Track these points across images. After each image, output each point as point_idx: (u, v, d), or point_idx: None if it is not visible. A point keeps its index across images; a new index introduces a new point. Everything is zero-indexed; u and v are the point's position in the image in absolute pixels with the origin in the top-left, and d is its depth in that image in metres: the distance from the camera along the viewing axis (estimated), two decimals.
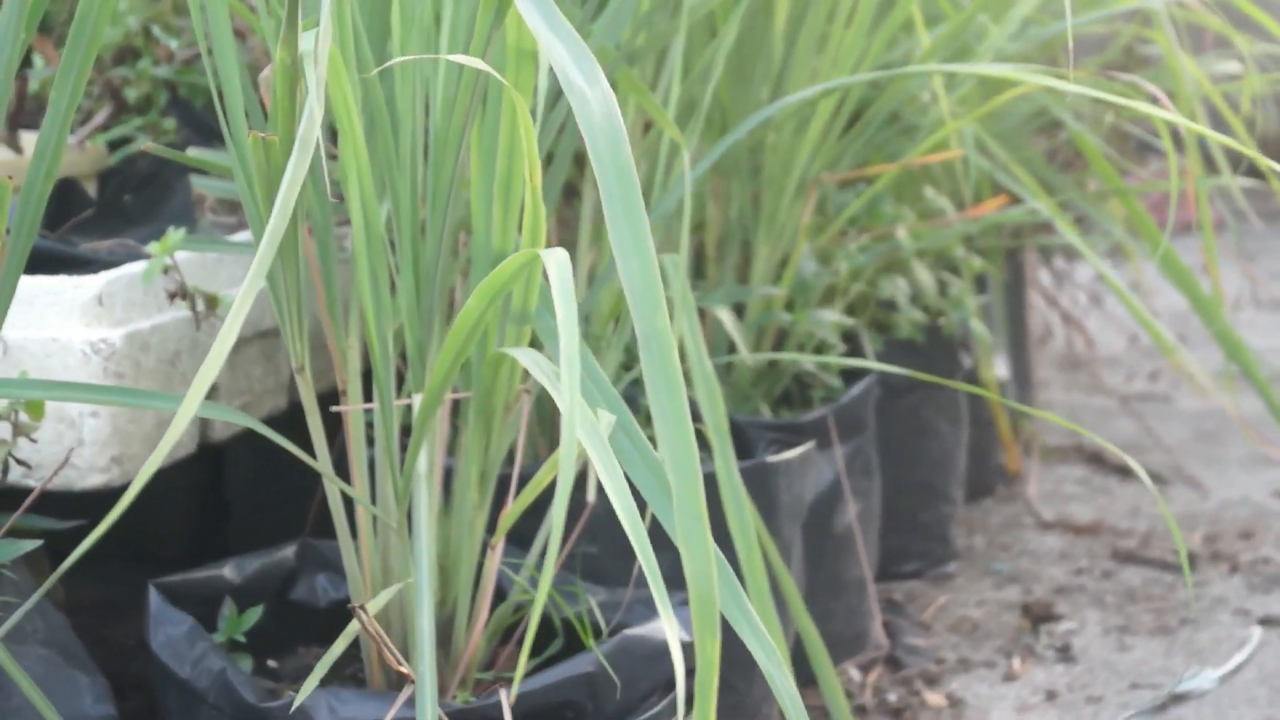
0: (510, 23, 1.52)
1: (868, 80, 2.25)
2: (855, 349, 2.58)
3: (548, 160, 1.89)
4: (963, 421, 2.88)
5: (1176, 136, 3.54)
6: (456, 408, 1.76)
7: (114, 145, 2.34)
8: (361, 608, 1.45)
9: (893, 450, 2.74)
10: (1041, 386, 4.04)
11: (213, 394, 2.00)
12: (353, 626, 1.46)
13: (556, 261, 1.10)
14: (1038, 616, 2.62)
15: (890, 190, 2.89)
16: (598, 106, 1.05)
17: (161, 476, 2.14)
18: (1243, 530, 3.02)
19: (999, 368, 3.20)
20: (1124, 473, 3.39)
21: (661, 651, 1.68)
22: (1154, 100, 2.94)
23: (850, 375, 2.47)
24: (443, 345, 1.49)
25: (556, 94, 1.72)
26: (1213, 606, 2.67)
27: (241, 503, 2.56)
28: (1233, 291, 4.49)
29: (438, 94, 1.56)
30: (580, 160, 2.14)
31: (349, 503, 1.65)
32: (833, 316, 2.36)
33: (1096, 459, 3.46)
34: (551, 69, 1.79)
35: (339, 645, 1.45)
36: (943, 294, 2.81)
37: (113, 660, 2.00)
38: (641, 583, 1.78)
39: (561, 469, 1.03)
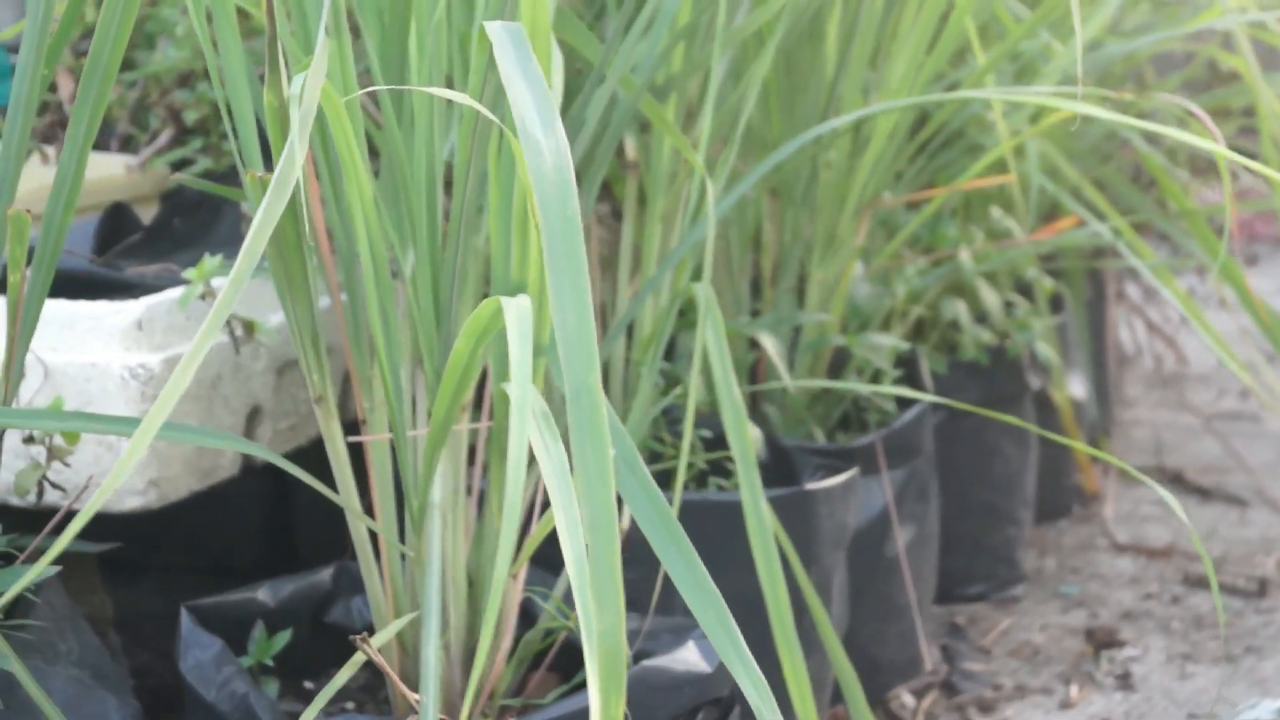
0: None
1: (913, 104, 2.23)
2: (914, 371, 2.56)
3: (580, 177, 1.90)
4: (1030, 442, 2.86)
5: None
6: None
7: (176, 167, 2.37)
8: (364, 638, 1.46)
9: (956, 472, 2.72)
10: (1128, 405, 4.00)
11: (257, 416, 2.02)
12: (358, 655, 1.48)
13: (516, 309, 1.10)
14: (1101, 642, 2.60)
15: (959, 211, 2.87)
16: (550, 157, 1.05)
17: (230, 491, 2.18)
18: None
19: (1074, 387, 3.17)
20: (1204, 494, 3.35)
21: (680, 682, 1.68)
22: (1194, 119, 2.90)
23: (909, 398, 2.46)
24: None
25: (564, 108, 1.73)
26: None
27: (307, 515, 2.59)
28: None
29: (459, 128, 1.57)
30: (622, 180, 2.14)
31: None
32: (887, 340, 2.34)
33: (1178, 479, 3.42)
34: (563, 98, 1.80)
35: (343, 674, 1.46)
36: (1010, 315, 2.78)
37: (173, 672, 2.03)
38: (663, 610, 1.79)
39: (507, 503, 1.03)
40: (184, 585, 2.32)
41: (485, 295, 1.77)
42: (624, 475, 1.42)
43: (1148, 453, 3.60)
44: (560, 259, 1.02)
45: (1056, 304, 3.24)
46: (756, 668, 1.31)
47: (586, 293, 1.02)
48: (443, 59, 1.56)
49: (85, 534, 2.02)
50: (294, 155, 1.12)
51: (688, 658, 1.71)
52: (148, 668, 2.32)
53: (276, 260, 1.45)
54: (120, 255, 2.07)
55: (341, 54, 1.41)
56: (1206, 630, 2.65)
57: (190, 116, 2.36)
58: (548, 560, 1.88)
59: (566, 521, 1.05)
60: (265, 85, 1.21)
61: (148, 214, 2.27)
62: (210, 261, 1.82)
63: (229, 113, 1.47)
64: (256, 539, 2.63)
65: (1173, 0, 3.39)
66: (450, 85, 1.63)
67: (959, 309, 2.63)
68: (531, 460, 1.76)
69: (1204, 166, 3.59)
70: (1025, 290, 3.06)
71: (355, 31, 1.86)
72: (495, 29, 1.20)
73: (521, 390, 1.05)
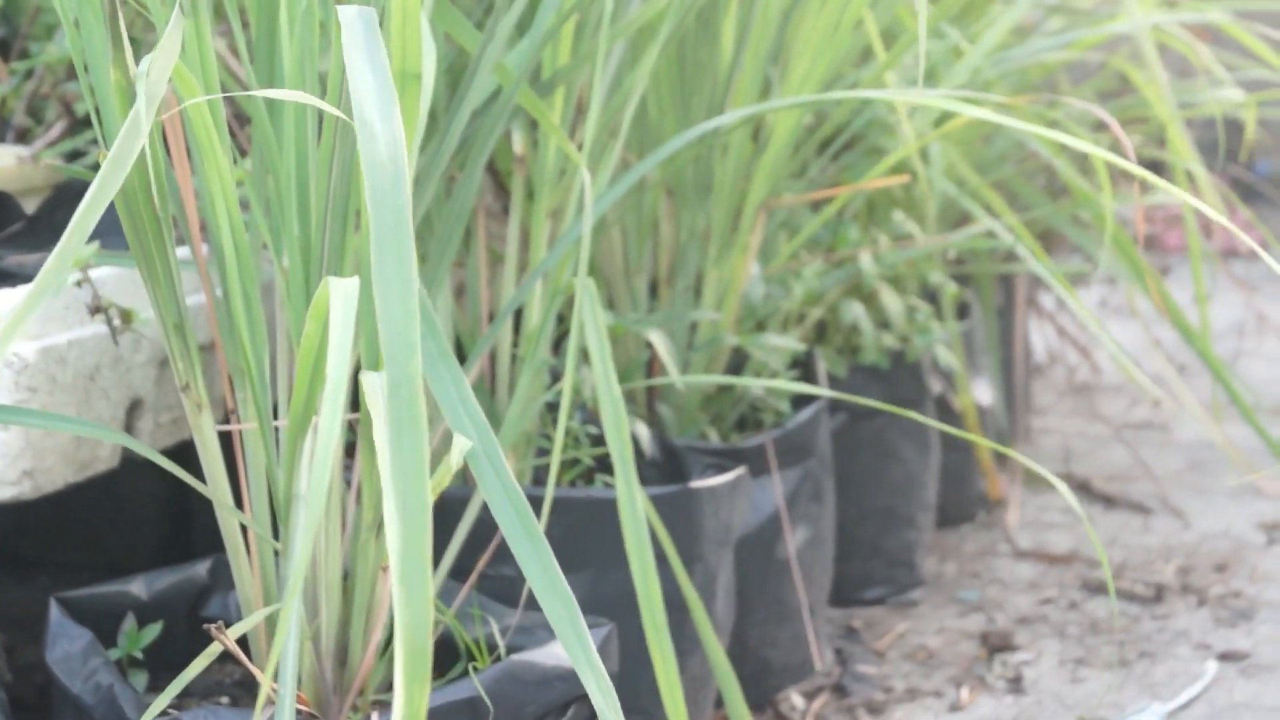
0: (395, 47, 1.52)
1: (806, 103, 2.23)
2: (811, 373, 2.56)
3: (460, 166, 1.89)
4: (931, 447, 2.86)
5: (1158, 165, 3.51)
6: None
7: (69, 158, 2.35)
8: (219, 628, 1.45)
9: (856, 476, 2.72)
10: (1039, 413, 4.01)
11: (138, 408, 2.00)
12: (215, 646, 1.46)
13: (343, 292, 1.09)
14: (995, 646, 2.60)
15: (862, 215, 2.87)
16: (384, 145, 1.04)
17: (126, 486, 2.15)
18: (1218, 563, 2.99)
19: (980, 393, 3.18)
20: (1108, 502, 3.36)
21: (550, 677, 1.67)
22: (1103, 125, 2.92)
23: (804, 399, 2.46)
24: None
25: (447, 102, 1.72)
26: (1174, 640, 2.64)
27: (205, 510, 2.57)
28: (1244, 319, 4.46)
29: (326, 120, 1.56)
30: (509, 175, 2.13)
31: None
32: (780, 341, 2.34)
33: (1084, 487, 3.43)
34: (436, 87, 1.79)
35: (198, 664, 1.45)
36: (911, 319, 2.79)
37: None
38: (533, 605, 1.78)
39: (312, 492, 1.02)
40: (80, 582, 2.30)
41: None
42: (484, 469, 1.41)
43: (1056, 460, 3.62)
44: (388, 247, 1.01)
45: (966, 311, 3.24)
46: (602, 668, 1.31)
47: (413, 282, 1.01)
48: (314, 46, 1.54)
49: None
50: (135, 130, 1.10)
51: (560, 653, 1.69)
52: (37, 664, 2.30)
53: (136, 244, 1.44)
54: (1, 244, 2.04)
55: (199, 35, 1.39)
56: (1101, 635, 2.66)
57: (82, 108, 2.34)
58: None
59: (397, 515, 1.03)
60: (110, 62, 1.20)
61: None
62: (86, 249, 1.80)
63: (92, 93, 1.45)
64: (154, 534, 2.61)
65: (1087, 11, 3.40)
66: (324, 84, 1.62)
67: (857, 312, 2.63)
68: None
69: (1116, 176, 3.60)
70: (933, 296, 3.07)
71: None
72: (348, 13, 1.19)
73: (338, 372, 1.03)
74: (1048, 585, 2.89)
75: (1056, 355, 4.24)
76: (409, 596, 0.96)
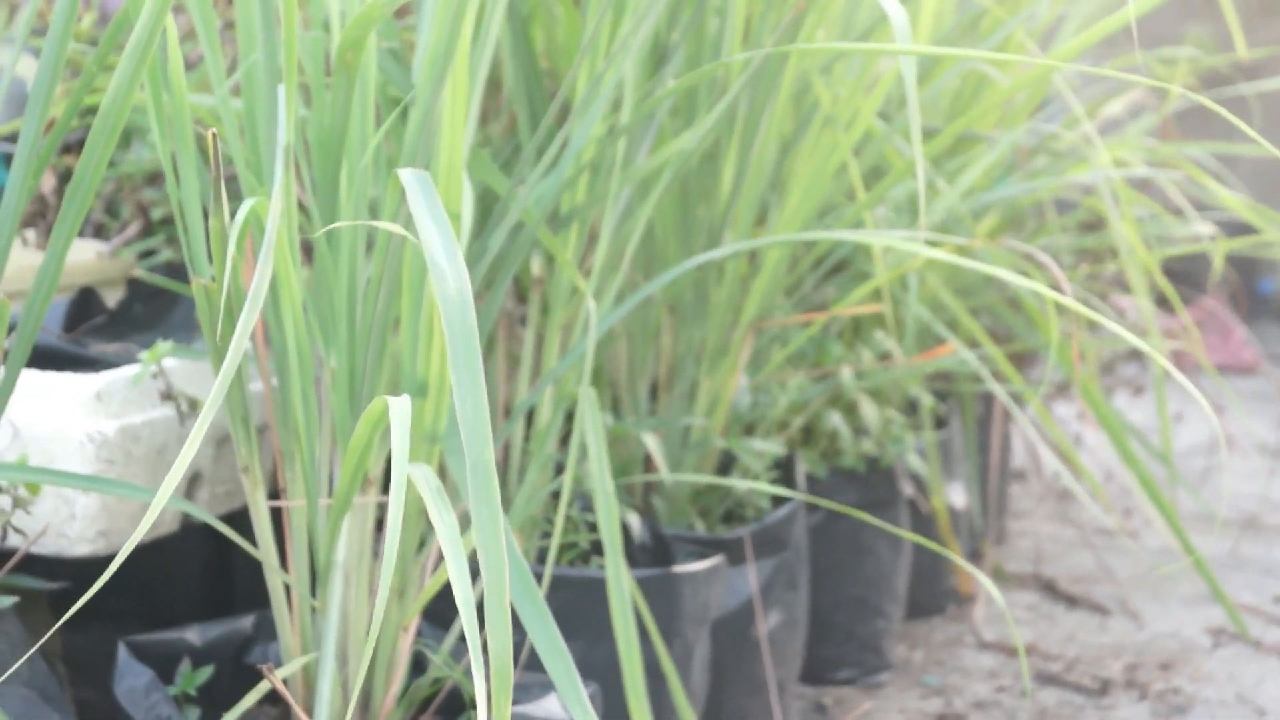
0: (441, 190, 1.84)
1: (786, 240, 2.53)
2: (791, 474, 2.86)
3: (487, 286, 2.19)
4: (902, 544, 3.15)
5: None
6: None
7: (142, 256, 2.66)
8: (270, 668, 1.74)
9: (833, 568, 3.01)
10: (1018, 516, 4.29)
11: (198, 481, 2.30)
12: (263, 684, 1.76)
13: (399, 411, 1.38)
14: None
15: (847, 332, 3.18)
16: (453, 284, 1.34)
17: (174, 546, 2.44)
18: (1164, 662, 3.27)
19: (954, 497, 3.47)
20: (1071, 602, 3.64)
21: None
22: (1041, 265, 3.22)
23: (784, 497, 2.75)
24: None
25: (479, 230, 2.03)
26: None
27: (245, 570, 2.86)
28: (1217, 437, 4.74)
29: (377, 250, 1.87)
30: (529, 290, 2.44)
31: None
32: (762, 445, 2.64)
33: (1050, 587, 3.71)
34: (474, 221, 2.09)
35: (249, 699, 1.74)
36: (887, 429, 3.08)
37: (114, 707, 2.29)
38: (529, 667, 2.07)
39: (385, 561, 1.31)
40: (131, 630, 2.58)
41: (395, 386, 2.06)
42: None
43: (1028, 561, 3.90)
44: (462, 362, 1.31)
45: (945, 420, 3.54)
46: (594, 714, 1.60)
47: (483, 388, 1.30)
48: (367, 190, 1.85)
49: (43, 576, 2.30)
50: (252, 314, 1.40)
51: (550, 707, 1.99)
52: (91, 702, 2.57)
53: (214, 350, 1.74)
54: (86, 334, 2.35)
55: (286, 183, 1.70)
56: None
57: (157, 212, 2.66)
58: (442, 618, 2.16)
59: (457, 571, 1.32)
60: (210, 213, 1.50)
61: (114, 296, 2.56)
62: (162, 345, 2.11)
63: (183, 224, 1.76)
64: (199, 590, 2.89)
65: (1066, 150, 3.70)
66: (373, 210, 1.93)
67: (836, 421, 2.92)
68: (427, 529, 2.05)
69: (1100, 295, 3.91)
70: (915, 406, 3.37)
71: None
72: (407, 176, 1.49)
73: (400, 469, 1.33)
74: (1005, 675, 3.18)
75: (1041, 462, 4.52)
76: (494, 629, 1.24)
